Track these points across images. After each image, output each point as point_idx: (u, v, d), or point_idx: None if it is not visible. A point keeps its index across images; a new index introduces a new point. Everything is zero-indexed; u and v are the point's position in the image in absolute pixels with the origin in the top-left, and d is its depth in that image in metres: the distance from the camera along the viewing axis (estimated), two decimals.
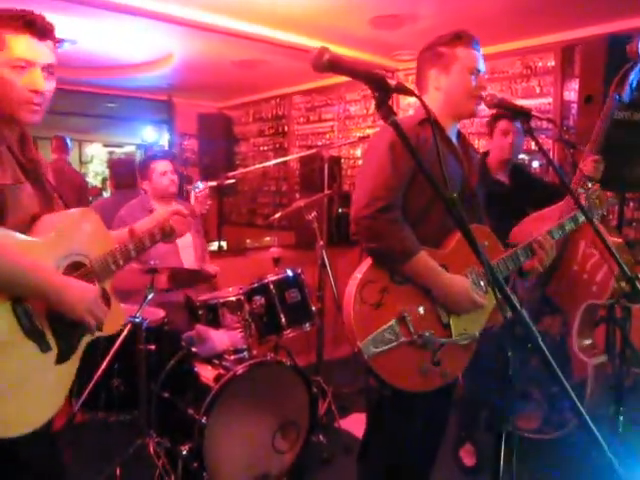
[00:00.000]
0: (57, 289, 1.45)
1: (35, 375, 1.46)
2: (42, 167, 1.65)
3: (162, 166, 3.39)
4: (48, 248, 1.49)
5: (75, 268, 1.59)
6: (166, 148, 7.74)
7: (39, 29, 1.50)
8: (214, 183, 4.00)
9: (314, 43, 4.62)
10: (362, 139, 5.36)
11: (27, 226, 1.50)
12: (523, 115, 1.87)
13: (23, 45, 1.47)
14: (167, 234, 1.88)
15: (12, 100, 1.49)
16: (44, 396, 1.51)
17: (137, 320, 2.72)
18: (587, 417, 1.04)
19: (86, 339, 1.63)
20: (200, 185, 2.13)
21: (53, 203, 1.64)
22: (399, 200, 1.88)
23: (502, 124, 3.09)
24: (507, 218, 2.74)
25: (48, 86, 1.54)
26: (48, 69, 1.53)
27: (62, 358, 1.53)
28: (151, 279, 2.77)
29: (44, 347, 1.46)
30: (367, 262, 1.89)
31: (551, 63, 4.51)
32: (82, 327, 1.56)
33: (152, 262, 2.77)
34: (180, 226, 1.92)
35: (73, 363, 1.59)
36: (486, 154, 3.20)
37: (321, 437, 3.25)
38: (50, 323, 1.49)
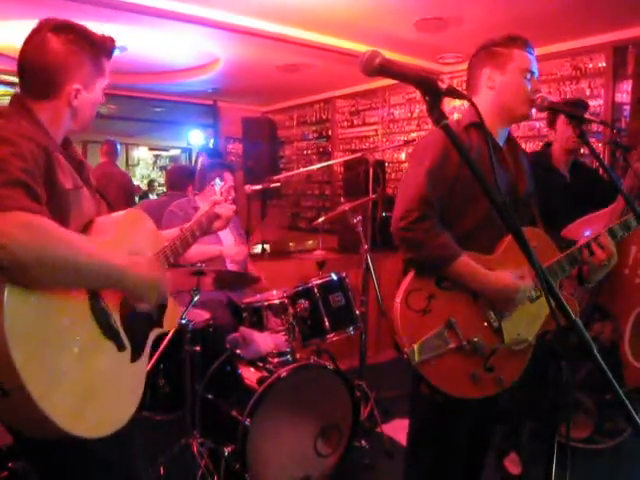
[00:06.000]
0: (132, 273, 1.48)
1: (116, 374, 1.48)
2: (88, 169, 1.69)
3: (231, 179, 3.51)
4: (113, 248, 1.52)
5: None
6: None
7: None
8: (259, 187, 4.04)
9: (359, 47, 4.63)
10: (407, 143, 5.33)
11: (85, 229, 1.53)
12: (576, 118, 1.83)
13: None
14: (214, 218, 2.02)
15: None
16: (125, 395, 1.54)
17: (183, 322, 2.75)
18: None
19: (152, 336, 1.68)
20: (219, 181, 2.21)
21: (100, 205, 1.68)
22: (435, 210, 1.87)
23: None
24: (565, 213, 2.68)
25: None
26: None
27: (135, 356, 1.56)
28: (197, 281, 2.80)
29: (121, 346, 1.49)
30: (412, 271, 1.89)
31: (602, 64, 4.40)
32: (148, 322, 1.63)
33: (198, 264, 2.81)
34: (225, 213, 2.04)
35: (144, 361, 1.63)
36: (549, 144, 3.13)
37: (363, 442, 3.22)
38: (122, 321, 1.52)
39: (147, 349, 1.65)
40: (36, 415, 1.21)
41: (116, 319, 1.49)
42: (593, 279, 2.04)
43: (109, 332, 1.45)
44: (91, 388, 1.37)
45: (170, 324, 1.81)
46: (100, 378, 1.41)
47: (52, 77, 1.49)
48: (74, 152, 1.64)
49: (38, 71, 1.48)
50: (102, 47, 1.57)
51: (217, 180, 2.17)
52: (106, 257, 1.41)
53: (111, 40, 1.60)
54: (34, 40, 1.48)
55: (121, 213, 1.67)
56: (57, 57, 1.48)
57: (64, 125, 1.55)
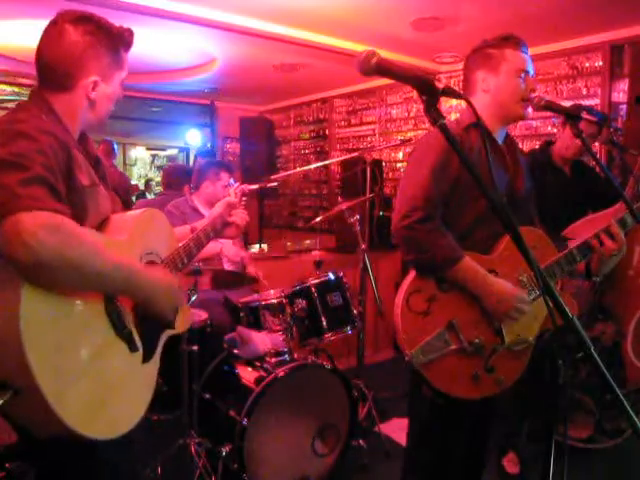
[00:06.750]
0: (148, 280, 1.46)
1: (128, 375, 1.47)
2: (104, 166, 1.66)
3: (228, 178, 3.50)
4: (129, 247, 1.51)
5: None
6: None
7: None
8: (256, 186, 4.03)
9: (356, 46, 4.63)
10: (404, 142, 5.34)
11: (100, 226, 1.51)
12: (572, 117, 1.83)
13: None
14: (226, 223, 2.01)
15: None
16: (135, 396, 1.52)
17: None
18: None
19: (164, 337, 1.66)
20: (233, 181, 2.18)
21: (115, 203, 1.65)
22: (438, 210, 1.86)
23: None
24: (566, 210, 2.68)
25: None
26: None
27: (147, 357, 1.54)
28: (194, 281, 2.79)
29: (133, 347, 1.47)
30: (412, 272, 1.88)
31: (599, 63, 4.41)
32: (161, 324, 1.61)
33: (195, 264, 2.80)
34: (239, 221, 2.02)
35: (155, 362, 1.61)
36: (551, 143, 3.13)
37: (361, 441, 3.22)
38: (135, 322, 1.50)
39: (159, 350, 1.64)
40: (48, 415, 1.20)
41: (130, 320, 1.47)
42: (602, 271, 2.03)
43: (122, 333, 1.43)
44: (103, 389, 1.36)
45: (183, 325, 1.79)
46: (112, 379, 1.39)
47: (70, 69, 1.46)
48: (91, 148, 1.62)
49: (56, 63, 1.46)
50: (120, 39, 1.55)
51: (231, 180, 2.14)
52: (127, 262, 1.39)
53: (129, 32, 1.58)
54: (52, 32, 1.46)
55: (137, 211, 1.65)
56: (75, 48, 1.45)
57: (81, 119, 1.53)
